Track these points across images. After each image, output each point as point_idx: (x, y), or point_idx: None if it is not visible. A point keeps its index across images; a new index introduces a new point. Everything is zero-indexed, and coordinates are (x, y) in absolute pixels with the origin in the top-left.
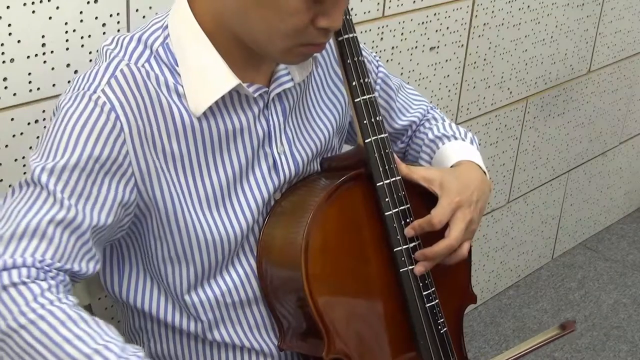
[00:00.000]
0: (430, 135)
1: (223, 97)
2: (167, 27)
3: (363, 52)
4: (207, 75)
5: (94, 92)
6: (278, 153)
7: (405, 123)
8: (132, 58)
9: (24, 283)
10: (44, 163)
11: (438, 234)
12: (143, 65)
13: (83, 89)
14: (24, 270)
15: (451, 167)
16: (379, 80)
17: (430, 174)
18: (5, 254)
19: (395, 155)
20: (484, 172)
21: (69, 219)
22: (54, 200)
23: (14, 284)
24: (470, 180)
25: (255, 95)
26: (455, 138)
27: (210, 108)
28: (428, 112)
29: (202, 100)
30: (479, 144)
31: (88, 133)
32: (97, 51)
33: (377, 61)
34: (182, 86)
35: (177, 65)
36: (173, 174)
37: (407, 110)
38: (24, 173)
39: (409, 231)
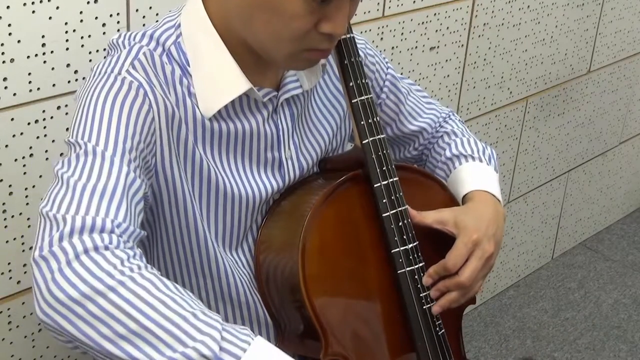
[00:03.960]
0: (447, 153)
1: (233, 100)
2: (179, 26)
3: (371, 52)
4: (219, 77)
5: (119, 73)
6: (286, 158)
7: (414, 128)
8: (149, 48)
9: (107, 248)
10: (89, 136)
11: (442, 240)
12: (159, 56)
13: (107, 71)
14: (105, 236)
15: (463, 197)
16: (387, 82)
17: (443, 215)
18: (80, 211)
19: (409, 209)
20: (499, 200)
21: (130, 181)
22: (112, 165)
23: (97, 248)
24: (485, 214)
25: (265, 99)
26: (473, 158)
27: (219, 110)
28: (445, 122)
29: (213, 103)
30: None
31: (120, 107)
32: (108, 44)
33: (386, 63)
34: (193, 87)
35: (189, 66)
36: (185, 159)
37: (419, 114)
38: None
39: (426, 280)
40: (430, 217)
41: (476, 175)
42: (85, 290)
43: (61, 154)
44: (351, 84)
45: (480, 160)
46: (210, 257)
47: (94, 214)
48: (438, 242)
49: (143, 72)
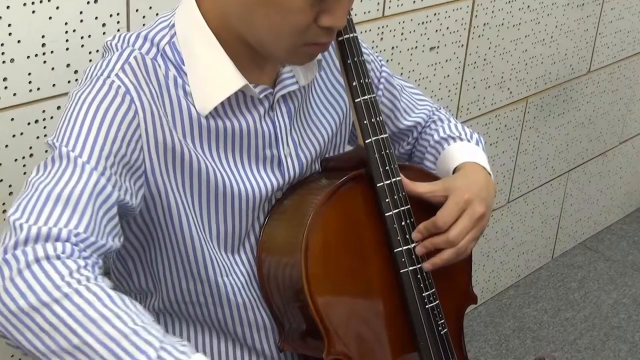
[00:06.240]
0: (436, 137)
1: (229, 97)
2: (173, 25)
3: (366, 51)
4: (214, 75)
5: (108, 76)
6: (285, 155)
7: (410, 123)
8: (142, 51)
9: (59, 257)
10: (66, 141)
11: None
12: (152, 59)
13: (96, 75)
14: (59, 245)
15: (454, 169)
16: (382, 80)
17: (433, 185)
18: (39, 222)
19: (402, 178)
20: (489, 174)
21: (99, 189)
22: (82, 171)
23: (48, 257)
24: (476, 179)
25: (261, 96)
26: (461, 139)
27: (215, 108)
28: (434, 114)
29: (209, 100)
30: None
31: (104, 113)
32: (102, 47)
33: (380, 61)
34: (189, 85)
35: (184, 65)
36: (184, 150)
37: (412, 110)
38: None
39: (416, 235)
40: (421, 187)
41: (465, 151)
42: (33, 302)
43: None
44: (354, 83)
45: (469, 141)
46: (207, 260)
47: (51, 224)
48: None
49: (133, 77)
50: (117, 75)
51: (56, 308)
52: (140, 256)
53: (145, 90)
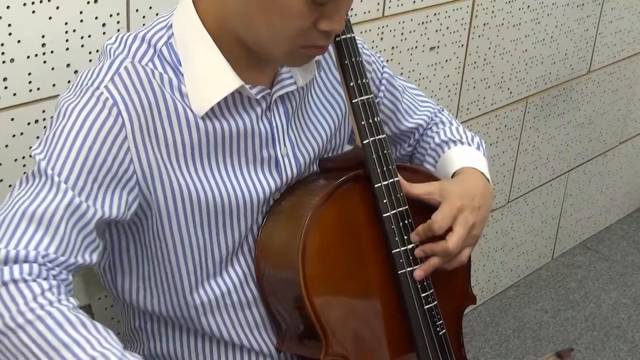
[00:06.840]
0: (437, 140)
1: (225, 98)
2: (171, 26)
3: (367, 52)
4: (210, 76)
5: (97, 88)
6: (282, 155)
7: (411, 125)
8: (136, 56)
9: (25, 281)
10: (48, 157)
11: (440, 238)
12: (147, 64)
13: (86, 84)
14: (26, 267)
15: (453, 174)
16: (384, 81)
17: (430, 186)
18: (10, 244)
19: (400, 179)
20: (488, 179)
21: (73, 208)
22: (57, 190)
23: (15, 281)
24: (473, 186)
25: (258, 97)
26: (462, 143)
27: (212, 109)
28: (436, 116)
29: (205, 101)
30: None
31: (89, 128)
32: (100, 49)
33: (381, 62)
34: (185, 86)
35: (180, 65)
36: (177, 171)
37: (414, 112)
38: (24, 173)
39: (414, 237)
40: (418, 188)
41: (465, 156)
42: None
43: None
44: (352, 83)
45: (469, 145)
46: (196, 265)
47: (21, 246)
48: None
49: (122, 88)
50: (106, 87)
51: (21, 334)
52: (132, 268)
53: (136, 101)
